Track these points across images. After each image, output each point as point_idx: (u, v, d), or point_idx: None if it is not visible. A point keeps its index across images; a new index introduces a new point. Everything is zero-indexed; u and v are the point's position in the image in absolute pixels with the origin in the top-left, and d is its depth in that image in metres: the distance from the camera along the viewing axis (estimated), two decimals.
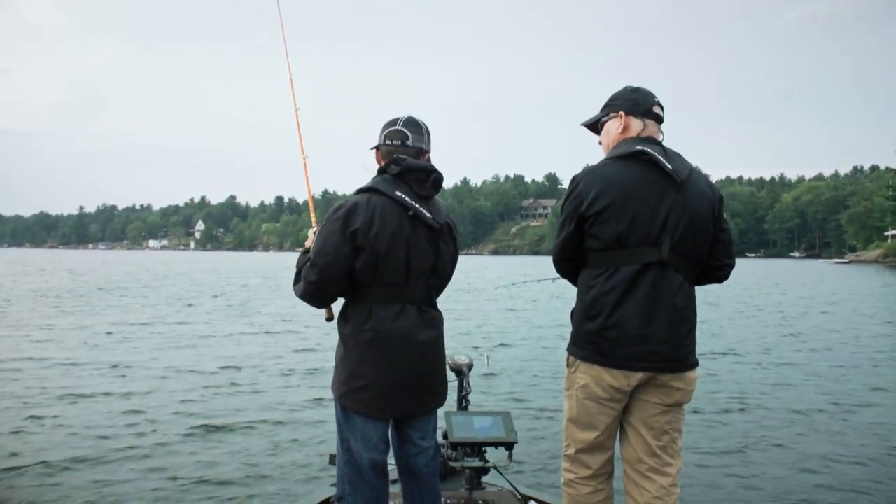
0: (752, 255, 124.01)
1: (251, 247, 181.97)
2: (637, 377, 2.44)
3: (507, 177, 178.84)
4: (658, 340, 2.40)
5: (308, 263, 2.51)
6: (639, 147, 2.47)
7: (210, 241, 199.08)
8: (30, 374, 9.35)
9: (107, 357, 10.83)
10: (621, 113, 2.58)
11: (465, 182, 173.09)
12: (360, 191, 2.55)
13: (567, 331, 2.61)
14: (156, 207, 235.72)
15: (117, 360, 10.43)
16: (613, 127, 2.60)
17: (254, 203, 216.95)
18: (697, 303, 2.55)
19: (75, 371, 9.59)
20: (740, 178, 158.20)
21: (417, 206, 2.51)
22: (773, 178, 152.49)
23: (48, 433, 6.37)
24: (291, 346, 12.60)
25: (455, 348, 2.87)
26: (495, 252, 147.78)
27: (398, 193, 2.50)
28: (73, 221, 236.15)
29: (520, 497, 3.18)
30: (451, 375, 3.21)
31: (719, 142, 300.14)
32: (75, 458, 5.59)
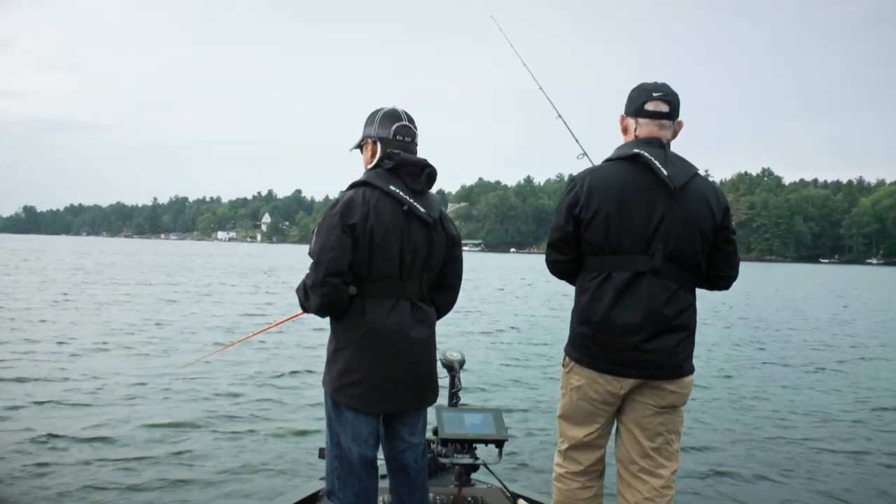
0: (826, 260, 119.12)
1: None
2: (629, 383, 2.45)
3: (570, 175, 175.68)
4: (648, 349, 2.40)
5: (311, 266, 2.47)
6: (635, 150, 2.42)
7: (276, 234, 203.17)
8: None
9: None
10: (622, 114, 2.56)
11: (528, 180, 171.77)
12: (354, 185, 2.56)
13: (564, 328, 2.62)
14: (224, 200, 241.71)
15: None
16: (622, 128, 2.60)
17: (319, 197, 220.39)
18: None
19: None
20: (815, 181, 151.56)
21: (412, 200, 2.51)
22: (850, 182, 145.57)
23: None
24: (280, 337, 12.00)
25: (447, 344, 2.86)
26: None
27: (392, 188, 2.50)
28: (147, 212, 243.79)
29: (509, 495, 3.20)
30: (442, 371, 3.25)
31: (794, 143, 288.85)
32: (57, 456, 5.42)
